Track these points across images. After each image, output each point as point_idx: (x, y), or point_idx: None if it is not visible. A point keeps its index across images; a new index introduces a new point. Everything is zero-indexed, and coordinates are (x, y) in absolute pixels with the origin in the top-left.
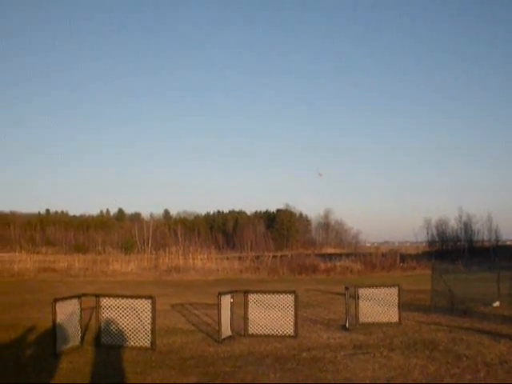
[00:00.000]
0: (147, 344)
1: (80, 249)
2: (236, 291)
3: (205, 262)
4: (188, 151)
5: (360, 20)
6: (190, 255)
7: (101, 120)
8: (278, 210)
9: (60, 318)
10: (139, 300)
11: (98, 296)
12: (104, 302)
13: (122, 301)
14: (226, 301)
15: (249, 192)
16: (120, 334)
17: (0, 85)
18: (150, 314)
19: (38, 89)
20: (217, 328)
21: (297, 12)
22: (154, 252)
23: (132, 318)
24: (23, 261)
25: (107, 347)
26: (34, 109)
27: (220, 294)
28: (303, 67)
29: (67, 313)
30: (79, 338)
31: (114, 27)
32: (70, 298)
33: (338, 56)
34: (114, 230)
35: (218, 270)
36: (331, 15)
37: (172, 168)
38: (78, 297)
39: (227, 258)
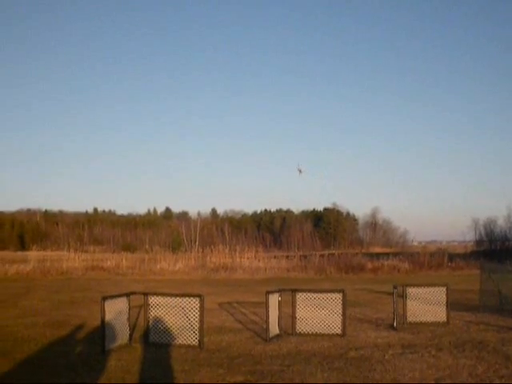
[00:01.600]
0: (195, 342)
1: (128, 247)
2: (284, 290)
3: (252, 260)
4: (235, 151)
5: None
6: (238, 254)
7: (147, 120)
8: (326, 209)
9: (109, 316)
10: (187, 298)
11: (146, 294)
12: (152, 300)
13: (170, 299)
14: (274, 299)
15: (296, 191)
16: (168, 332)
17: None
18: (198, 313)
19: (81, 90)
20: (264, 326)
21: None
22: (201, 251)
23: (180, 317)
24: (71, 259)
25: (155, 345)
26: (78, 111)
27: (268, 292)
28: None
29: (116, 311)
30: (127, 336)
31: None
32: (119, 296)
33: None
34: (162, 229)
35: (265, 268)
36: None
37: (219, 167)
38: (127, 295)
39: (274, 257)
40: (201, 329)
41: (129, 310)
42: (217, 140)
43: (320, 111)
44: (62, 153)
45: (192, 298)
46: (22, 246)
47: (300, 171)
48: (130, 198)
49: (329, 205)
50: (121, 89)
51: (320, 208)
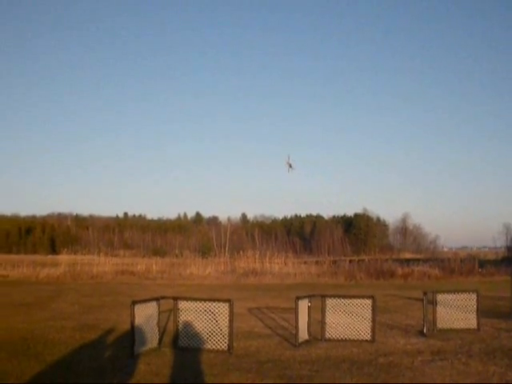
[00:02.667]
0: (224, 347)
1: (158, 252)
2: (313, 295)
3: (282, 266)
4: (265, 156)
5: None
6: (267, 259)
7: (176, 126)
8: (356, 215)
9: (138, 320)
10: (217, 303)
11: (176, 299)
12: (182, 304)
13: (200, 304)
14: (304, 305)
15: (327, 196)
16: (197, 336)
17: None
18: (228, 317)
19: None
20: (294, 332)
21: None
22: (230, 256)
23: (209, 321)
24: (102, 263)
25: (184, 350)
26: (106, 118)
27: (298, 298)
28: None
29: (145, 315)
30: (157, 340)
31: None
32: (149, 300)
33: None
34: (192, 234)
35: (295, 274)
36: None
37: (249, 172)
38: (157, 299)
39: (305, 263)
40: (230, 334)
41: (158, 314)
42: (247, 145)
43: (349, 118)
44: (93, 158)
45: (222, 303)
46: (53, 249)
47: (290, 166)
48: (161, 202)
49: (359, 210)
50: (146, 95)
51: (350, 213)
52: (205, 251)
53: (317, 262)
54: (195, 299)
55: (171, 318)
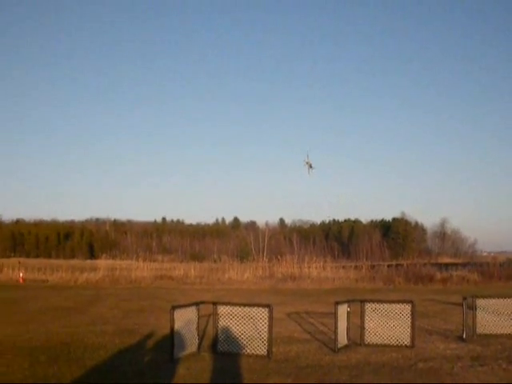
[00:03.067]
0: (263, 352)
1: (196, 257)
2: (353, 300)
3: (320, 270)
4: (297, 163)
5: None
6: (306, 264)
7: (214, 131)
8: (394, 219)
9: (178, 325)
10: (256, 308)
11: (215, 304)
12: (221, 309)
13: (239, 309)
14: (343, 310)
15: (365, 201)
16: (236, 341)
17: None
18: (267, 323)
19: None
20: (333, 337)
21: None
22: (268, 260)
23: (248, 326)
24: (140, 268)
25: (223, 354)
26: (146, 125)
27: (337, 302)
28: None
29: (185, 320)
30: (196, 344)
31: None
32: (189, 305)
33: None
34: (230, 239)
35: (333, 278)
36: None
37: (287, 177)
38: (196, 304)
39: (343, 267)
40: (269, 339)
41: (198, 319)
42: (285, 150)
43: (387, 121)
44: (131, 163)
45: (261, 308)
46: (91, 254)
47: (310, 166)
48: (199, 207)
49: (397, 215)
50: (182, 98)
51: (389, 218)
52: (243, 256)
53: (355, 267)
54: (235, 304)
55: (210, 322)
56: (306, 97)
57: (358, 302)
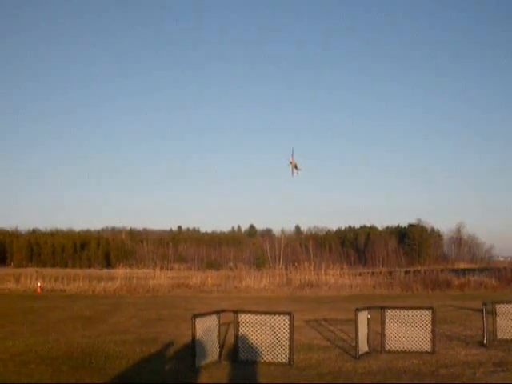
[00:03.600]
0: (284, 360)
1: (212, 265)
2: (373, 307)
3: (337, 277)
4: (319, 168)
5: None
6: (323, 271)
7: (230, 138)
8: (410, 225)
9: (199, 334)
10: (277, 316)
11: (236, 312)
12: (242, 317)
13: (260, 317)
14: (363, 317)
15: (380, 207)
16: (257, 349)
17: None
18: (288, 330)
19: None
20: (353, 344)
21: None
22: (284, 268)
23: (269, 334)
24: (157, 277)
25: (245, 363)
26: (163, 133)
27: (357, 309)
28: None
29: (206, 328)
30: (217, 353)
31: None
32: (209, 313)
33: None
34: (246, 246)
35: (350, 285)
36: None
37: (303, 185)
38: (217, 312)
39: (360, 274)
40: (291, 346)
41: (219, 327)
42: (299, 157)
43: (403, 129)
44: (147, 172)
45: (282, 316)
46: (108, 263)
47: (296, 167)
48: (215, 215)
49: (413, 221)
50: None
51: (404, 224)
52: (259, 264)
53: (372, 274)
54: (255, 312)
55: (230, 331)
56: (317, 103)
57: (377, 308)
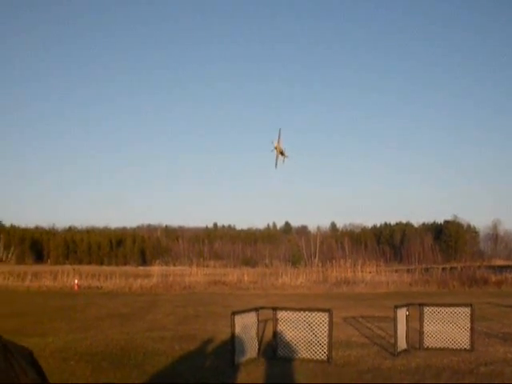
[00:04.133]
0: (323, 357)
1: (248, 262)
2: (411, 304)
3: (373, 274)
4: (352, 165)
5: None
6: (359, 268)
7: (257, 139)
8: (446, 222)
9: (238, 330)
10: (316, 313)
11: (275, 309)
12: (281, 314)
13: (299, 314)
14: (402, 314)
15: (416, 203)
16: (296, 346)
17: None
18: (326, 327)
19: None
20: (391, 341)
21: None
22: (320, 265)
23: (307, 331)
24: (194, 274)
25: (283, 359)
26: (206, 131)
27: (396, 306)
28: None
29: (245, 325)
30: (256, 349)
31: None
32: (248, 310)
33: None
34: (281, 243)
35: (387, 282)
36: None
37: (338, 181)
38: (256, 309)
39: (396, 271)
40: (329, 343)
41: (258, 324)
42: (334, 155)
43: (442, 123)
44: (182, 169)
45: (321, 313)
46: (143, 260)
47: (282, 153)
48: (250, 212)
49: (449, 217)
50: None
51: (440, 220)
52: (295, 261)
53: (408, 271)
54: (294, 309)
55: (268, 327)
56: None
57: (415, 305)
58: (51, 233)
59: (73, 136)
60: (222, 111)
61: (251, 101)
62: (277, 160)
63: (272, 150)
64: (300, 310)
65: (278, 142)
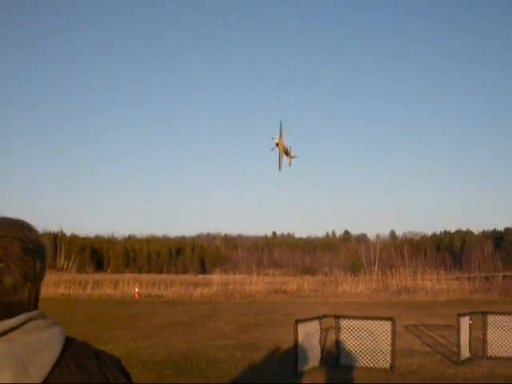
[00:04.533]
0: (386, 365)
1: (308, 270)
2: (474, 312)
3: (434, 282)
4: (413, 172)
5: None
6: (419, 276)
7: (323, 147)
8: (507, 229)
9: (301, 339)
10: (378, 321)
11: (337, 317)
12: (344, 323)
13: (362, 322)
14: (465, 322)
15: (476, 211)
16: (358, 355)
17: None
18: (389, 336)
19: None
20: (454, 350)
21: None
22: (380, 273)
23: (370, 339)
24: (254, 282)
25: (346, 368)
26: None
27: (459, 315)
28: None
29: (308, 333)
30: (318, 358)
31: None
32: (311, 319)
33: None
34: (341, 252)
35: (447, 290)
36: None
37: (397, 188)
38: (319, 318)
39: (456, 279)
40: (392, 351)
41: (320, 332)
42: (393, 162)
43: (498, 132)
44: (241, 180)
45: (384, 321)
46: (203, 269)
47: (287, 154)
48: (309, 221)
49: (509, 224)
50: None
51: (501, 228)
52: (354, 269)
53: (468, 278)
54: (356, 317)
55: (329, 336)
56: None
57: (478, 314)
58: (111, 242)
59: (132, 147)
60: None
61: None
62: (281, 160)
63: (273, 149)
64: (363, 318)
65: (280, 137)
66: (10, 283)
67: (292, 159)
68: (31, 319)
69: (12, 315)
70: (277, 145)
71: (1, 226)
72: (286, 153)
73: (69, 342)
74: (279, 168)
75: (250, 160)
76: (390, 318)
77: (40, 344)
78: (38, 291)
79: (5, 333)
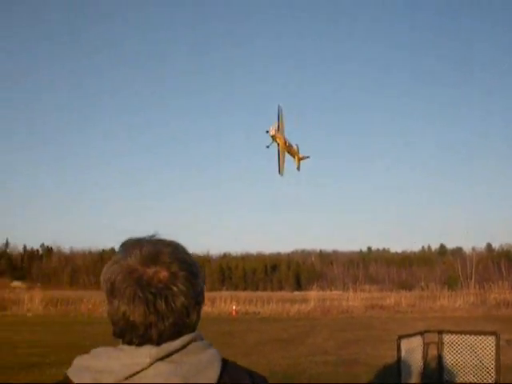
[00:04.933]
0: (491, 381)
1: (404, 285)
2: None
3: None
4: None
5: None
6: None
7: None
8: None
9: (403, 354)
10: (481, 336)
11: (440, 332)
12: (447, 338)
13: (464, 337)
14: None
15: None
16: (462, 370)
17: None
18: (492, 350)
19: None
20: None
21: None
22: (477, 287)
23: (472, 355)
24: (351, 298)
25: None
26: None
27: None
28: None
29: (410, 349)
30: (421, 374)
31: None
32: (413, 334)
33: None
34: (436, 266)
35: None
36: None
37: (491, 201)
38: (421, 333)
39: None
40: (497, 367)
41: (423, 348)
42: (489, 173)
43: None
44: (336, 195)
45: (487, 336)
46: (298, 285)
47: (296, 155)
48: (404, 235)
49: None
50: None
51: None
52: (451, 283)
53: None
54: (460, 332)
55: (430, 351)
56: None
57: None
58: (206, 259)
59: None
60: None
61: None
62: (281, 161)
63: (269, 146)
64: (466, 332)
65: (278, 128)
66: (184, 305)
67: (301, 161)
68: (194, 340)
69: (179, 336)
70: (273, 138)
71: (164, 249)
72: (290, 151)
73: (225, 363)
74: (279, 172)
75: (340, 177)
76: (494, 333)
77: (201, 365)
78: (199, 313)
79: (170, 354)
